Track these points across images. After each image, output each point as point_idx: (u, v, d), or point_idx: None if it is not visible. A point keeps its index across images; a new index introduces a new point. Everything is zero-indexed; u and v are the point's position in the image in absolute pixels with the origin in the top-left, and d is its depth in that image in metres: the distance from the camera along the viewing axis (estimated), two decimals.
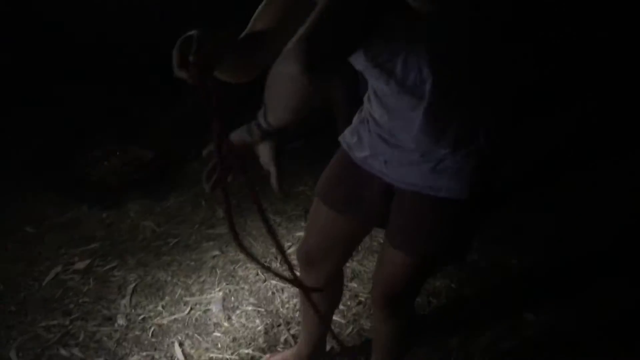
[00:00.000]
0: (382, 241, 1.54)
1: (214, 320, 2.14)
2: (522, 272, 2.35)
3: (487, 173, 1.28)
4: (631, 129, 3.17)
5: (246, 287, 2.29)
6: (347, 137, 1.43)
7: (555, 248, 2.46)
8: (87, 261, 2.41)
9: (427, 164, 1.26)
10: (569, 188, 2.83)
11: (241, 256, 2.45)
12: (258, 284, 2.31)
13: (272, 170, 1.16)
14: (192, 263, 2.42)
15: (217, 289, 2.28)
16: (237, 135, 1.15)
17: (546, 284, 2.28)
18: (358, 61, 1.20)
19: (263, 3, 1.22)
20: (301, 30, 1.00)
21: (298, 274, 1.43)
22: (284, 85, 1.02)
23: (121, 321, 2.12)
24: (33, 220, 2.67)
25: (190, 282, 2.32)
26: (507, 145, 1.32)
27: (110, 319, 2.13)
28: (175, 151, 3.22)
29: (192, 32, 1.02)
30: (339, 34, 1.01)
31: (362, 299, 2.21)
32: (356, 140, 1.38)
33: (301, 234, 2.59)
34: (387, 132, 1.29)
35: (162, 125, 3.57)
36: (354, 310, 2.17)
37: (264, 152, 1.15)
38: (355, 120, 1.42)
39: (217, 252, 2.48)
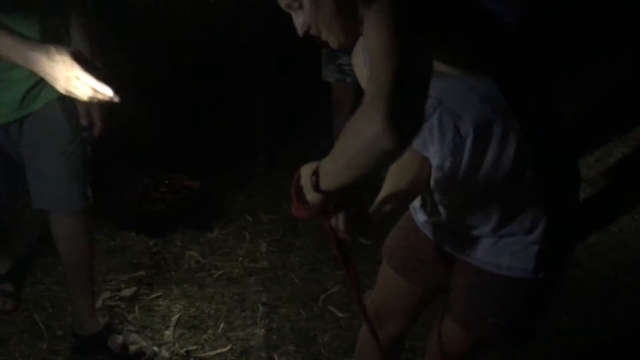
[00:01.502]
0: None
1: (256, 357, 2.13)
2: (575, 331, 2.28)
3: (553, 253, 1.20)
4: None
5: (288, 325, 2.29)
6: None
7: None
8: (134, 288, 2.44)
9: (487, 239, 1.20)
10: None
11: (284, 293, 2.46)
12: (300, 323, 2.30)
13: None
14: (235, 297, 2.43)
15: (259, 326, 2.28)
16: None
17: (598, 345, 2.21)
18: None
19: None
20: (372, 93, 0.92)
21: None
22: (357, 144, 0.94)
23: (165, 353, 2.13)
24: None
25: (232, 316, 2.32)
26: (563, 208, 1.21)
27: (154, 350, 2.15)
28: (220, 182, 3.27)
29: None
30: (417, 90, 0.93)
31: (406, 346, 2.17)
32: (421, 204, 1.34)
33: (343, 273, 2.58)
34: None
35: (206, 154, 3.63)
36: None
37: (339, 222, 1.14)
38: None
39: (260, 287, 2.49)
